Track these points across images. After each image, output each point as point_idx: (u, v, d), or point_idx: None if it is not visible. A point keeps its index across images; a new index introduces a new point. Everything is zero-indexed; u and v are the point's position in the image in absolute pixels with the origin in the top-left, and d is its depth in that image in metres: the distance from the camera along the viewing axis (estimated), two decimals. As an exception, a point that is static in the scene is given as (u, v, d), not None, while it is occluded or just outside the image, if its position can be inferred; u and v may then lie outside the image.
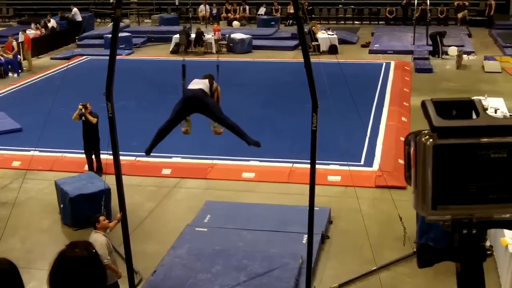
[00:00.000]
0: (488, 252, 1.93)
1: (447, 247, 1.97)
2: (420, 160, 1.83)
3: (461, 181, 1.80)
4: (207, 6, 33.73)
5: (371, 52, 27.04)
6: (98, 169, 13.65)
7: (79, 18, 31.51)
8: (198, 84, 9.16)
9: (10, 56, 24.52)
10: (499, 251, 9.58)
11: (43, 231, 11.74)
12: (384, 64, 24.28)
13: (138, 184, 13.35)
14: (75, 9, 31.84)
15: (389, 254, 10.28)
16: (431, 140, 1.81)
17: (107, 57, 8.85)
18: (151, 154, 14.57)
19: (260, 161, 14.30)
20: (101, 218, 9.04)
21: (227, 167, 14.22)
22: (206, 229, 11.13)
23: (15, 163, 14.61)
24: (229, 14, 35.01)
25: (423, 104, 1.89)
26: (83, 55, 27.05)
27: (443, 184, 1.80)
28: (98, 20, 36.04)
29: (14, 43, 24.92)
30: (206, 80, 9.24)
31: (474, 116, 1.87)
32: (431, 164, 1.81)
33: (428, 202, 1.84)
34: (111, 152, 9.07)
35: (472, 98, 1.91)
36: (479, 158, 1.79)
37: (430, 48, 26.15)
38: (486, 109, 13.75)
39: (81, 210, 11.35)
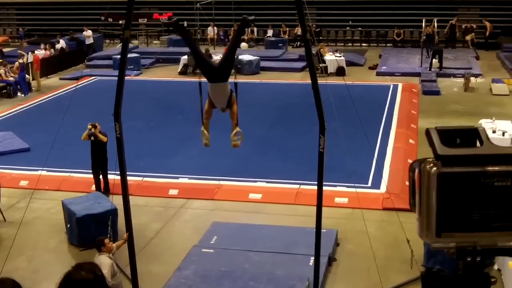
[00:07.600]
0: (493, 280, 1.93)
1: (455, 270, 1.97)
2: (425, 188, 1.84)
3: (465, 209, 1.81)
4: (215, 28, 33.90)
5: (378, 74, 27.06)
6: (105, 189, 13.68)
7: (90, 40, 31.51)
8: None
9: (15, 76, 24.53)
10: (507, 276, 9.51)
11: (49, 251, 11.74)
12: (391, 86, 24.28)
13: (145, 205, 13.36)
14: (89, 32, 31.69)
15: (396, 277, 10.22)
16: (435, 168, 1.82)
17: (116, 78, 8.91)
18: (158, 174, 14.72)
19: (267, 182, 14.32)
20: (106, 240, 9.03)
21: (234, 188, 14.21)
22: (212, 251, 11.10)
23: (23, 183, 14.65)
24: (237, 36, 35.13)
25: (428, 132, 1.91)
26: (91, 75, 27.15)
27: (447, 211, 1.81)
28: (107, 41, 36.34)
29: (17, 62, 24.88)
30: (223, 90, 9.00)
31: (478, 144, 1.88)
32: (435, 192, 1.81)
33: (433, 230, 1.84)
34: (119, 172, 9.11)
35: (476, 126, 1.92)
36: (483, 186, 1.79)
37: (438, 70, 26.20)
38: (494, 131, 13.84)
39: (88, 230, 11.36)
